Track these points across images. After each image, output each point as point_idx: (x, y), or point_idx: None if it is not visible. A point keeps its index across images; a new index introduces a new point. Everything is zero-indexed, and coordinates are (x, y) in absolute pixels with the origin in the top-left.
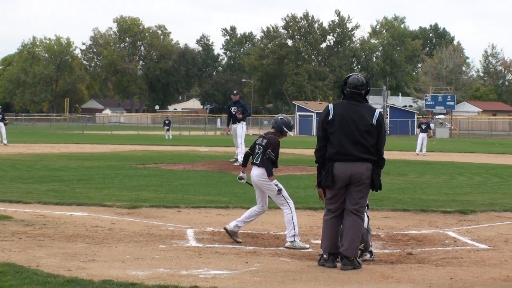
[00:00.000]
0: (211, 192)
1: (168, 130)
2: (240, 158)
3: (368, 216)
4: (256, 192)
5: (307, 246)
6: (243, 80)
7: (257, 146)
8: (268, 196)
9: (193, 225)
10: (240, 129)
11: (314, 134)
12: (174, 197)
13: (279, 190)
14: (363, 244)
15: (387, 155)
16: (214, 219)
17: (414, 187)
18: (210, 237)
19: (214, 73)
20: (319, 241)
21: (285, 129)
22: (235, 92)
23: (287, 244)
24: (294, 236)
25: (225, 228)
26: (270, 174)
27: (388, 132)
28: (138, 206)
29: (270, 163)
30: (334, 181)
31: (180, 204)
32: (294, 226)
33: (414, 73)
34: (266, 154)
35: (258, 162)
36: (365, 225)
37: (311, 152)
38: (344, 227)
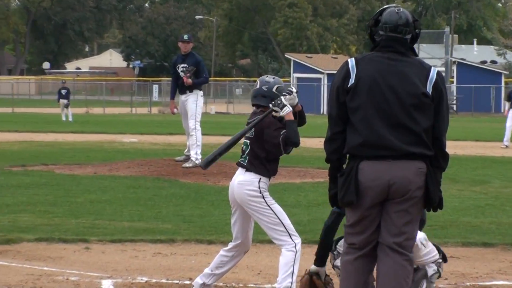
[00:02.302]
0: (144, 214)
1: (66, 105)
2: (195, 154)
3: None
4: (233, 217)
5: None
6: (197, 17)
7: (245, 141)
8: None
9: (112, 272)
10: (193, 103)
11: (324, 113)
12: (78, 223)
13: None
14: None
15: (450, 147)
16: (150, 262)
17: (500, 205)
18: None
19: (146, 4)
20: None
21: (283, 98)
22: (185, 37)
23: None
24: None
25: None
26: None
27: (453, 108)
28: (14, 239)
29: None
30: (360, 194)
31: (90, 235)
32: (292, 274)
33: (500, 4)
34: (266, 150)
35: (245, 164)
36: (431, 254)
37: (319, 143)
38: (379, 275)
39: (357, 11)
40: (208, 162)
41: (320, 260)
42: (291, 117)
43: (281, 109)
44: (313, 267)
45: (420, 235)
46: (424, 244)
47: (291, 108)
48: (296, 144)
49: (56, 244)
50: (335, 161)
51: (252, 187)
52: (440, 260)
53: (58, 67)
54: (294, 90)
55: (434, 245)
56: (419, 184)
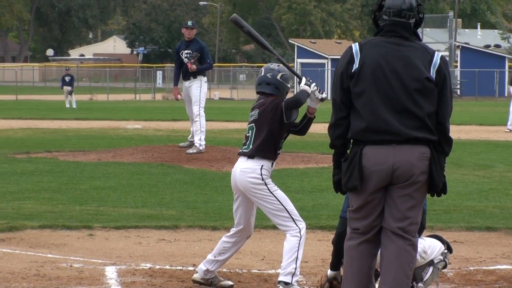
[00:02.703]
0: (148, 200)
1: (70, 92)
2: (199, 140)
3: (448, 247)
4: (235, 203)
5: None
6: (201, 3)
7: (249, 126)
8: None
9: (116, 259)
10: (197, 89)
11: (328, 98)
12: (82, 210)
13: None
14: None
15: (454, 132)
16: (154, 249)
17: (504, 189)
18: (147, 281)
19: None
20: None
21: (286, 83)
22: (189, 23)
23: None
24: (292, 275)
25: (193, 281)
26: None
27: (457, 92)
28: (18, 227)
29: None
30: (364, 179)
31: (94, 222)
32: (296, 259)
33: None
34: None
35: (248, 150)
36: (433, 255)
37: (323, 128)
38: (383, 260)
39: None
40: (239, 21)
41: (335, 265)
42: (306, 90)
43: (304, 83)
44: (329, 272)
45: (420, 249)
46: (423, 257)
47: (309, 91)
48: (299, 100)
49: (60, 231)
50: (340, 147)
51: (254, 175)
52: (446, 251)
53: (62, 54)
54: (324, 95)
55: (438, 237)
56: (422, 168)
